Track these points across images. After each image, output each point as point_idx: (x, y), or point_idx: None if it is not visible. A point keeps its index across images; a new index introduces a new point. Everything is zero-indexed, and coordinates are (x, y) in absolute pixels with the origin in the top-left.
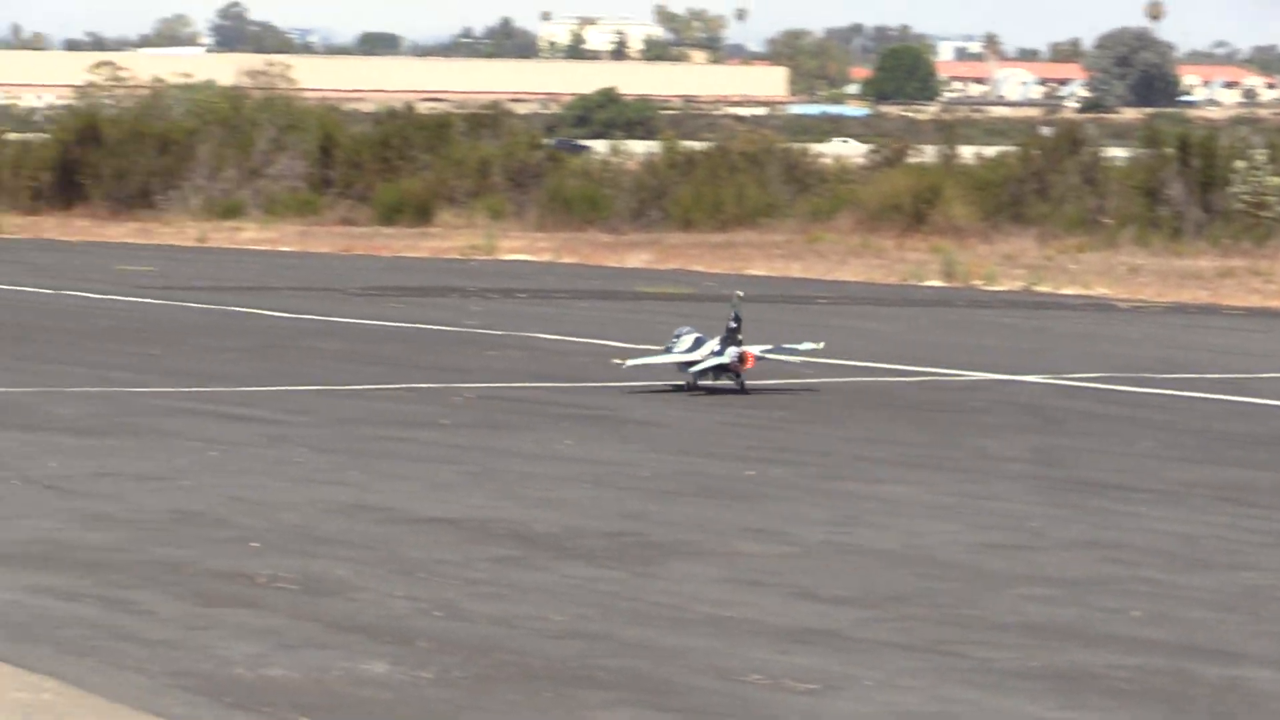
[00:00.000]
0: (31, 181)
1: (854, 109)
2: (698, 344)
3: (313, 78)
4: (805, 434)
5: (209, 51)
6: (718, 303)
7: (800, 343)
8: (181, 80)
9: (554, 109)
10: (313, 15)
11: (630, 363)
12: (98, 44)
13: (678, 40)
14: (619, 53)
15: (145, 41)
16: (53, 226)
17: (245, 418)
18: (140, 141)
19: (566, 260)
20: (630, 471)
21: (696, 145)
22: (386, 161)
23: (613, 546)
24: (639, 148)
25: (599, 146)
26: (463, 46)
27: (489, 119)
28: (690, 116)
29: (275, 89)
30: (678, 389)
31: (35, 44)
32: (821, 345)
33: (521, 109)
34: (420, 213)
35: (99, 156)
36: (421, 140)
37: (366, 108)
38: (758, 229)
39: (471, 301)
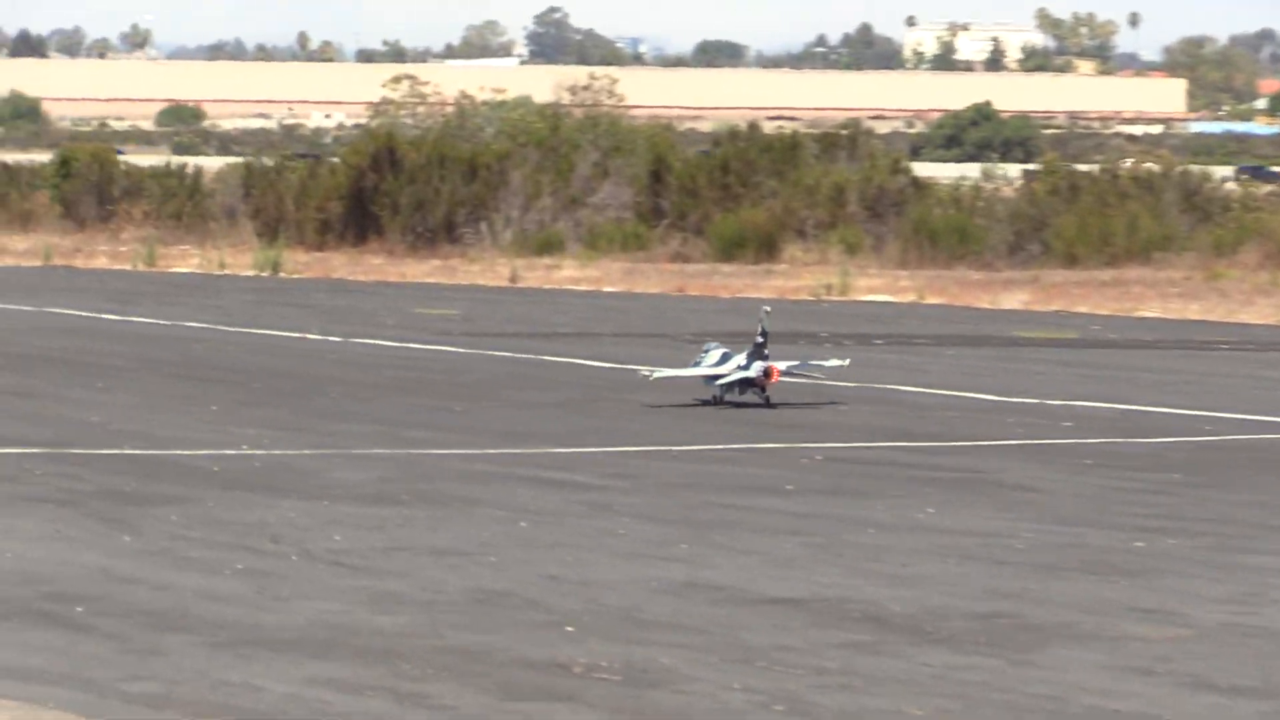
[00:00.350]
0: (319, 213)
1: (1262, 126)
2: (724, 359)
3: (642, 93)
4: (1200, 499)
5: (524, 63)
6: (1106, 349)
7: (827, 359)
8: (492, 96)
9: (919, 127)
10: (643, 22)
11: (656, 375)
12: (396, 55)
13: (1062, 49)
14: (994, 63)
15: (451, 52)
16: (343, 264)
17: (561, 483)
18: (444, 166)
19: (931, 301)
20: (1002, 543)
21: (1083, 168)
22: (726, 189)
23: (981, 630)
24: (1016, 171)
25: (969, 170)
26: (815, 57)
27: (845, 139)
28: (1076, 136)
29: (599, 106)
30: (705, 403)
31: (324, 55)
32: (848, 363)
33: (882, 127)
34: (764, 247)
35: (396, 184)
36: (766, 164)
37: (704, 127)
38: (1151, 264)
39: (822, 349)
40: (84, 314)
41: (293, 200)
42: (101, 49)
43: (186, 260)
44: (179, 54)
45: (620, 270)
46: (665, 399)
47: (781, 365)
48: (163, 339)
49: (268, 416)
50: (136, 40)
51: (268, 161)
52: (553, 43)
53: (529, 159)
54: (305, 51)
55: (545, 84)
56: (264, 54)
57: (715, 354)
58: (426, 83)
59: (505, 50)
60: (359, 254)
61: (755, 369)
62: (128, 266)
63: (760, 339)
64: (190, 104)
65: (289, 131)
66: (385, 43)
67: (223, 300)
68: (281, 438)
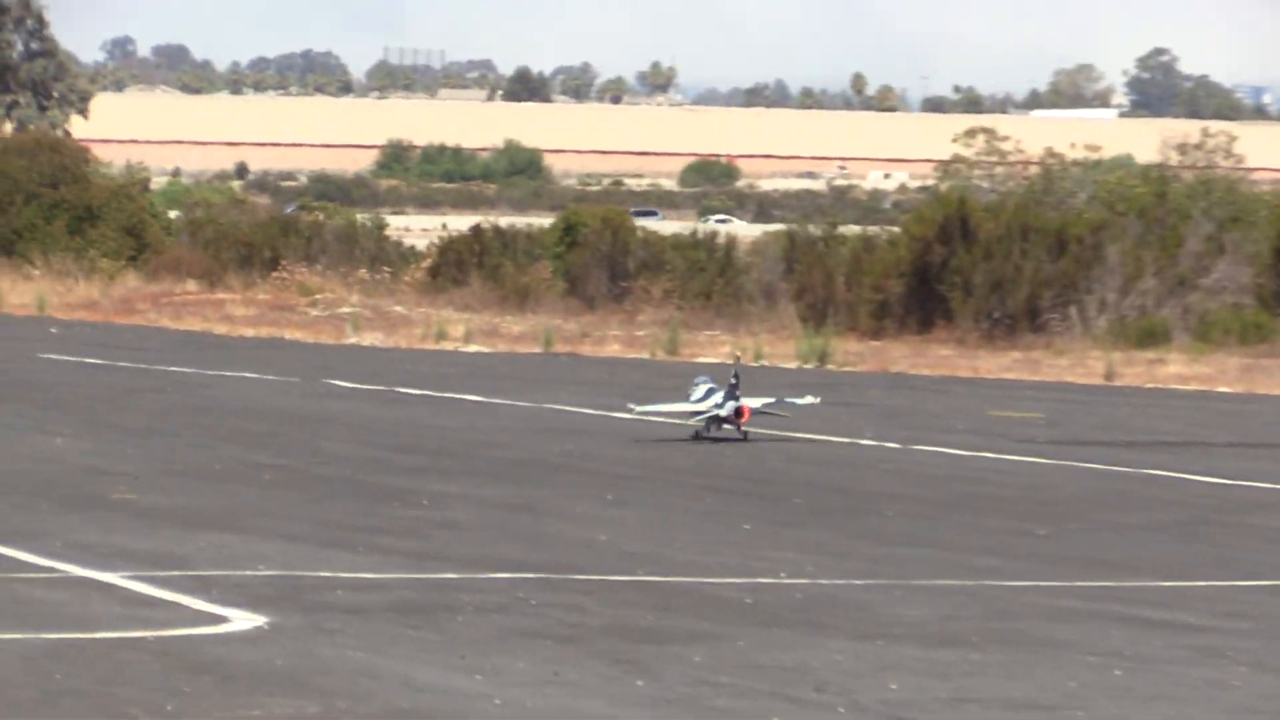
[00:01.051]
0: (876, 293)
1: None
2: (709, 394)
3: (1266, 152)
4: None
5: (1123, 115)
6: None
7: (801, 397)
8: (1085, 154)
9: None
10: (1268, 69)
11: (641, 408)
12: (970, 104)
13: None
14: None
15: (1036, 101)
16: (903, 355)
17: (1163, 623)
18: (1026, 239)
19: None
20: None
21: None
22: None
23: None
24: None
25: None
26: None
27: None
28: None
29: (1213, 167)
30: (698, 437)
31: (884, 103)
32: (819, 400)
33: None
34: None
35: (969, 259)
36: None
37: None
38: None
39: None
40: (591, 411)
41: (844, 278)
42: (616, 91)
43: (715, 348)
44: (707, 98)
45: (1237, 367)
46: None
47: (756, 404)
48: (682, 446)
49: (811, 539)
50: (657, 82)
51: (815, 230)
52: (1158, 91)
53: (1129, 231)
54: (860, 98)
55: (1149, 140)
56: (810, 100)
57: (702, 389)
58: (1006, 137)
59: (1101, 100)
60: (922, 343)
61: (728, 408)
62: (645, 355)
63: (734, 380)
64: (721, 159)
65: (840, 194)
66: (956, 89)
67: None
68: (827, 564)
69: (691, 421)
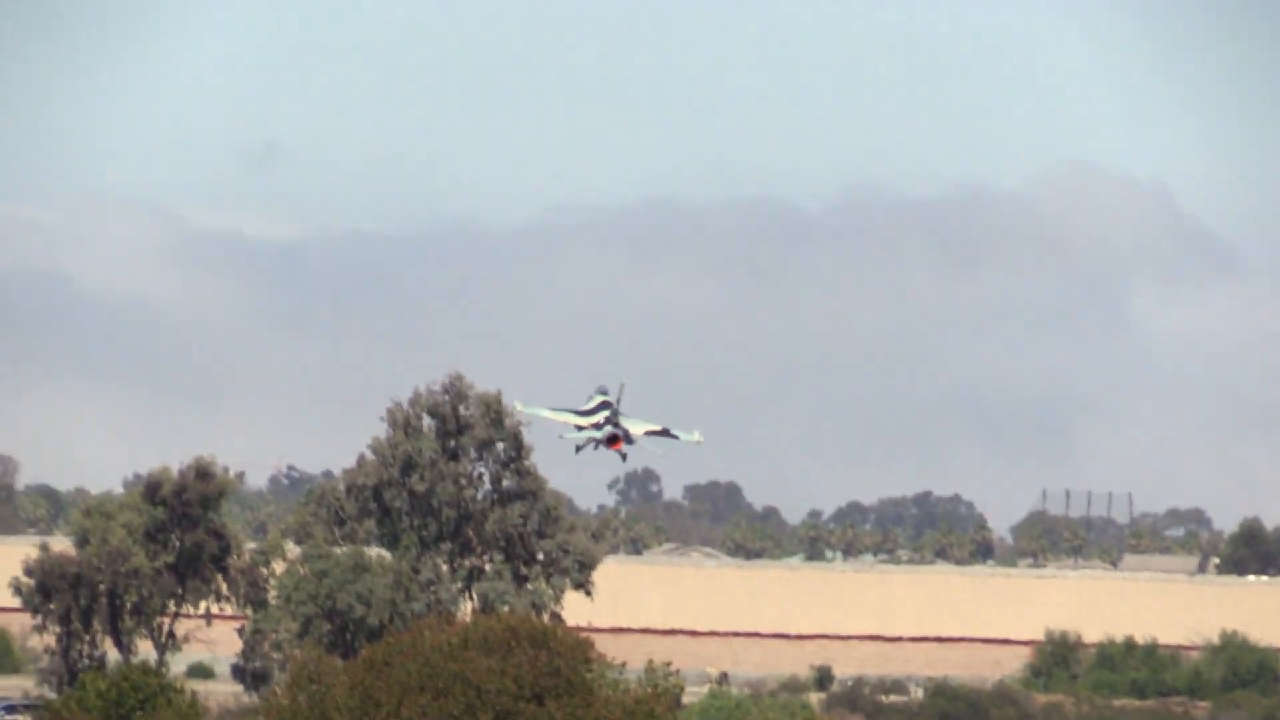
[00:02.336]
0: None
1: None
2: (597, 410)
3: None
4: None
5: None
6: None
7: (690, 431)
8: None
9: None
10: None
11: (526, 408)
12: None
13: None
14: None
15: None
16: None
17: None
18: None
19: None
20: None
21: None
22: None
23: None
24: None
25: None
26: None
27: None
28: None
29: None
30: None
31: None
32: (702, 440)
33: None
34: None
35: None
36: None
37: None
38: None
39: None
40: None
41: None
42: None
43: None
44: None
45: None
46: None
47: (639, 432)
48: None
49: None
50: None
51: None
52: None
53: None
54: None
55: None
56: None
57: (596, 401)
58: None
59: None
60: None
61: (605, 432)
62: None
63: (616, 405)
64: None
65: None
66: None
67: None
68: None
69: (568, 436)
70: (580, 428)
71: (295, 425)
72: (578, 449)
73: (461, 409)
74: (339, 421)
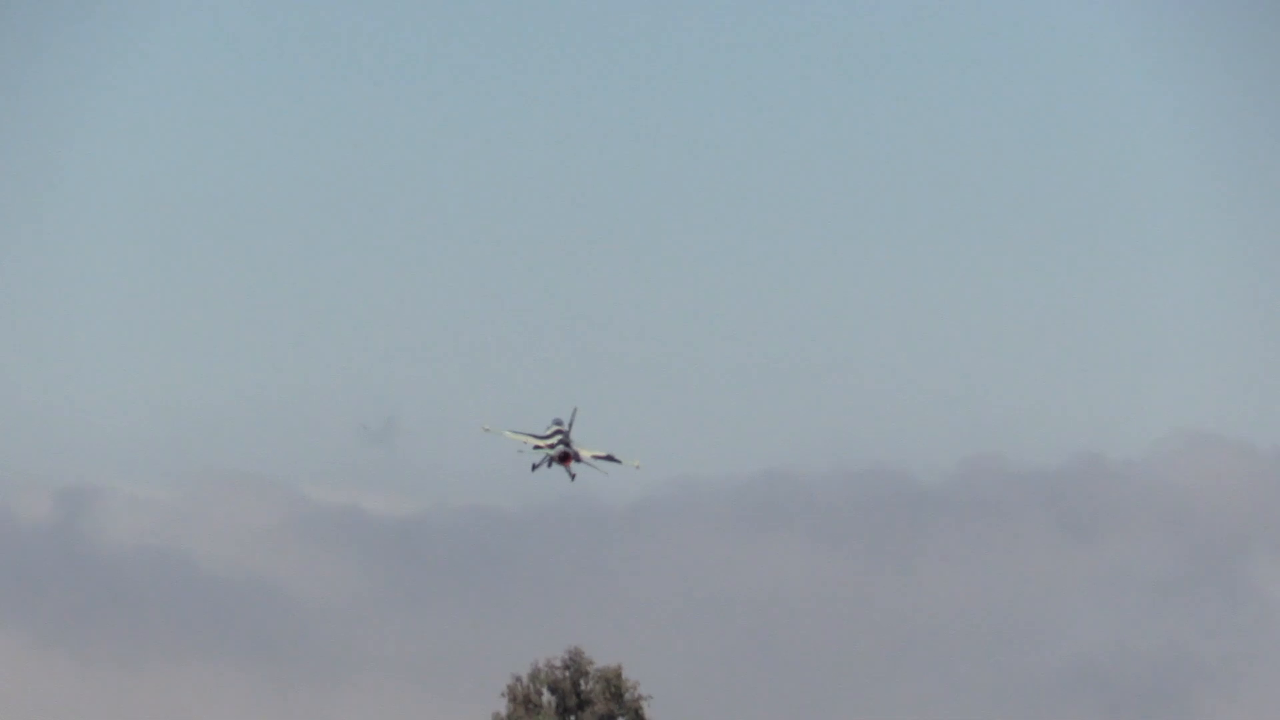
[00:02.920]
0: None
1: None
2: (553, 435)
3: None
4: None
5: None
6: None
7: (633, 458)
8: None
9: None
10: None
11: (489, 427)
12: None
13: None
14: None
15: None
16: None
17: None
18: None
19: None
20: None
21: None
22: None
23: None
24: None
25: None
26: None
27: None
28: None
29: None
30: (534, 469)
31: None
32: (641, 465)
33: None
34: None
35: None
36: None
37: None
38: None
39: None
40: None
41: None
42: None
43: None
44: None
45: None
46: None
47: (587, 455)
48: None
49: None
50: None
51: None
52: None
53: None
54: None
55: None
56: None
57: (553, 428)
58: None
59: None
60: None
61: (556, 451)
62: None
63: (567, 430)
64: None
65: None
66: None
67: None
68: None
69: (525, 453)
70: (537, 447)
71: (415, 702)
72: (534, 467)
73: (581, 684)
74: (459, 696)
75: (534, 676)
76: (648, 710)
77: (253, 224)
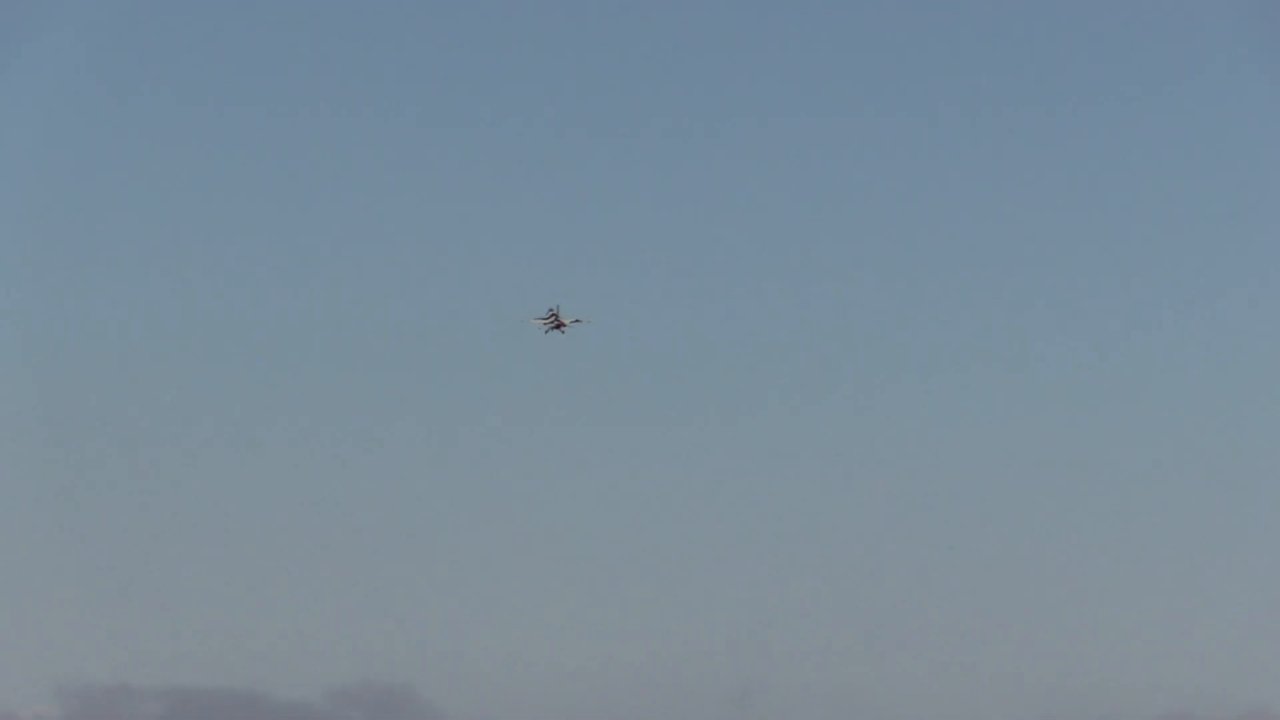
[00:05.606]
0: None
1: None
2: (549, 315)
3: None
4: None
5: None
6: None
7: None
8: None
9: None
10: None
11: (524, 320)
12: None
13: None
14: None
15: None
16: None
17: None
18: None
19: None
20: None
21: None
22: None
23: None
24: None
25: None
26: None
27: None
28: None
29: None
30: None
31: None
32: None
33: None
34: None
35: None
36: None
37: None
38: None
39: None
40: None
41: None
42: None
43: None
44: None
45: None
46: None
47: (568, 321)
48: None
49: None
50: None
51: None
52: None
53: None
54: None
55: None
56: None
57: (550, 310)
58: None
59: None
60: None
61: (554, 321)
62: None
63: (557, 311)
64: None
65: None
66: None
67: None
68: None
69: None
70: (544, 321)
71: None
72: (546, 332)
73: None
74: None
75: None
76: None
77: None
